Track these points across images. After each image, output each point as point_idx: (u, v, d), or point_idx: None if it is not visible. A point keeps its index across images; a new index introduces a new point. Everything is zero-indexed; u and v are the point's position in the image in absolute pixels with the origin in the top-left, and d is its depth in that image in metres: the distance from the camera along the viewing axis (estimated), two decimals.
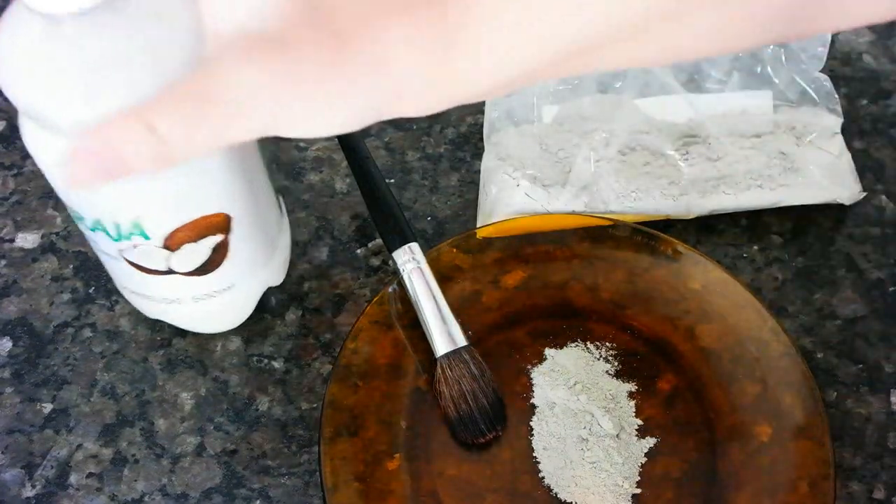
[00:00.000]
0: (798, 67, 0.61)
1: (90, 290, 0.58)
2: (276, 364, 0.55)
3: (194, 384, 0.54)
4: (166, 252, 0.46)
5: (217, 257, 0.48)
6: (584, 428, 0.50)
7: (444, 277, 0.54)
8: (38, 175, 0.62)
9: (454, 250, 0.55)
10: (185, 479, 0.51)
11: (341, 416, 0.50)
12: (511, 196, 0.57)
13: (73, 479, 0.51)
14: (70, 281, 0.58)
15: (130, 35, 0.37)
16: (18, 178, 0.62)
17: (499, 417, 0.50)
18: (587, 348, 0.53)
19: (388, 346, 0.52)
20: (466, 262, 0.55)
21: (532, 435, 0.51)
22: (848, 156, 0.59)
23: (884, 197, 0.60)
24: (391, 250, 0.53)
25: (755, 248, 0.59)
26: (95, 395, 0.54)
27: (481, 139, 0.61)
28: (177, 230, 0.45)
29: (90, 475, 0.51)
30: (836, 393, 0.53)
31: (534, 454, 0.50)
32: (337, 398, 0.50)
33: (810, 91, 0.60)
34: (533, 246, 0.56)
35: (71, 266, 0.58)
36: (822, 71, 0.61)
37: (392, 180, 0.61)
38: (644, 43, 0.31)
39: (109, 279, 0.58)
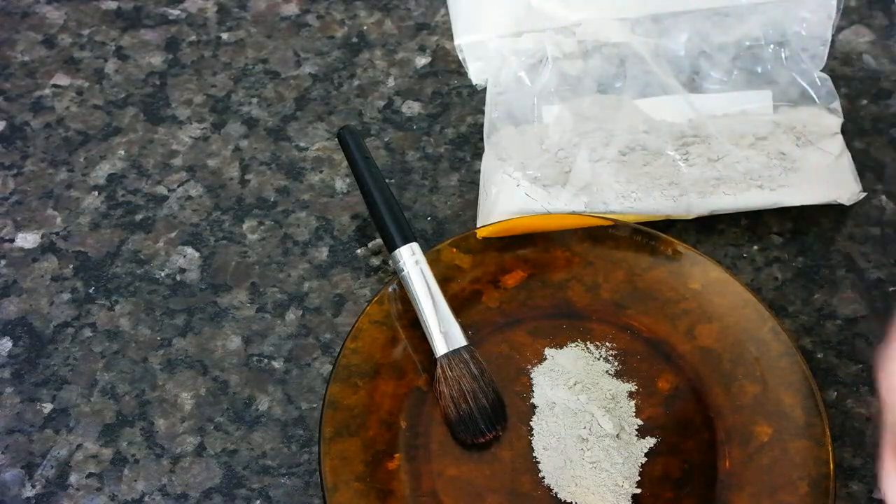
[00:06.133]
0: (798, 67, 0.61)
1: (90, 290, 0.58)
2: (276, 364, 0.55)
3: (194, 384, 0.54)
4: None
5: None
6: (584, 428, 0.50)
7: (444, 277, 0.54)
8: (38, 175, 0.62)
9: (454, 250, 0.55)
10: (185, 479, 0.51)
11: (341, 416, 0.50)
12: (511, 196, 0.57)
13: (73, 479, 0.51)
14: (70, 281, 0.58)
15: None
16: (18, 178, 0.62)
17: (499, 417, 0.50)
18: (587, 348, 0.53)
19: (388, 346, 0.52)
20: (466, 262, 0.55)
21: (532, 435, 0.51)
22: (848, 156, 0.59)
23: (884, 197, 0.60)
24: (391, 250, 0.53)
25: (755, 248, 0.59)
26: (95, 395, 0.54)
27: (481, 139, 0.61)
28: None
29: (90, 475, 0.51)
30: (836, 393, 0.53)
31: (534, 454, 0.50)
32: (337, 398, 0.50)
33: (810, 91, 0.60)
34: (533, 246, 0.56)
35: (71, 266, 0.58)
36: (822, 71, 0.61)
37: (392, 180, 0.61)
38: None
39: (109, 279, 0.58)
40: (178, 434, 0.53)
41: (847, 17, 0.68)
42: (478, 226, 0.57)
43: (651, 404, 0.52)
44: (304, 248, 0.59)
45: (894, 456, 0.29)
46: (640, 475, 0.49)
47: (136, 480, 0.51)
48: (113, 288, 0.58)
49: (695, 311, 0.54)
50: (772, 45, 0.61)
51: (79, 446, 0.52)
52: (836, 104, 0.60)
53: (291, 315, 0.57)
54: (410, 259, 0.53)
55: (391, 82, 0.66)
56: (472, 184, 0.61)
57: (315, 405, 0.53)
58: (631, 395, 0.52)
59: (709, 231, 0.59)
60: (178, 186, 0.62)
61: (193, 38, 0.69)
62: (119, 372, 0.55)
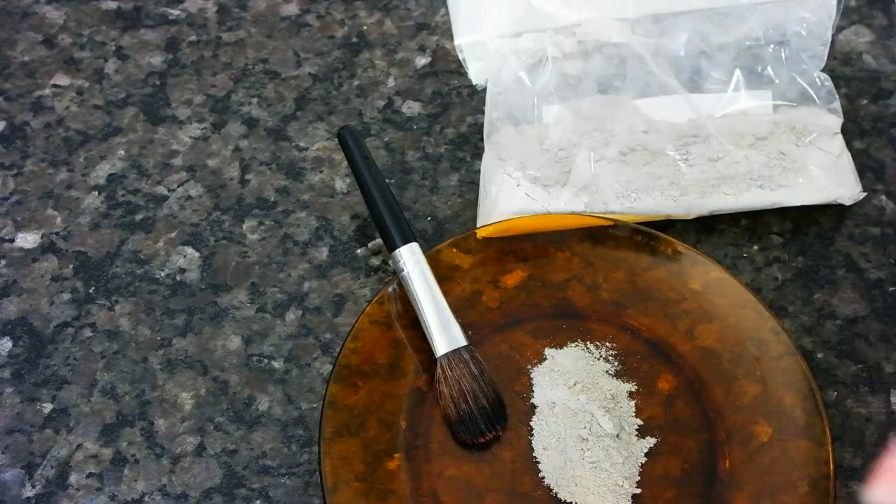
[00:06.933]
0: (798, 67, 0.61)
1: (90, 290, 0.58)
2: (276, 364, 0.55)
3: (194, 384, 0.54)
4: None
5: None
6: (584, 428, 0.50)
7: (444, 277, 0.54)
8: (37, 175, 0.62)
9: (454, 250, 0.55)
10: (185, 479, 0.51)
11: (341, 416, 0.50)
12: (511, 196, 0.57)
13: (73, 479, 0.51)
14: (70, 281, 0.58)
15: None
16: (18, 178, 0.62)
17: (499, 417, 0.50)
18: (587, 348, 0.53)
19: (388, 346, 0.52)
20: (466, 262, 0.55)
21: (532, 435, 0.51)
22: (848, 156, 0.59)
23: (884, 197, 0.60)
24: (391, 250, 0.53)
25: (755, 248, 0.59)
26: (95, 395, 0.54)
27: (481, 139, 0.61)
28: None
29: (90, 475, 0.51)
30: (836, 393, 0.53)
31: (534, 454, 0.50)
32: (337, 398, 0.50)
33: (810, 91, 0.60)
34: (533, 246, 0.56)
35: (71, 266, 0.58)
36: (822, 71, 0.61)
37: (392, 180, 0.61)
38: None
39: (109, 279, 0.58)
40: (178, 434, 0.53)
41: (847, 17, 0.68)
42: (478, 226, 0.57)
43: (651, 404, 0.52)
44: (304, 248, 0.59)
45: None
46: (640, 475, 0.49)
47: (136, 480, 0.51)
48: (113, 288, 0.58)
49: (695, 311, 0.54)
50: (772, 45, 0.61)
51: (79, 446, 0.52)
52: (836, 104, 0.60)
53: (291, 315, 0.57)
54: (410, 259, 0.53)
55: (391, 82, 0.66)
56: (472, 184, 0.61)
57: (315, 405, 0.53)
58: (631, 395, 0.52)
59: (709, 231, 0.59)
60: (178, 186, 0.62)
61: (193, 38, 0.69)
62: (119, 372, 0.55)
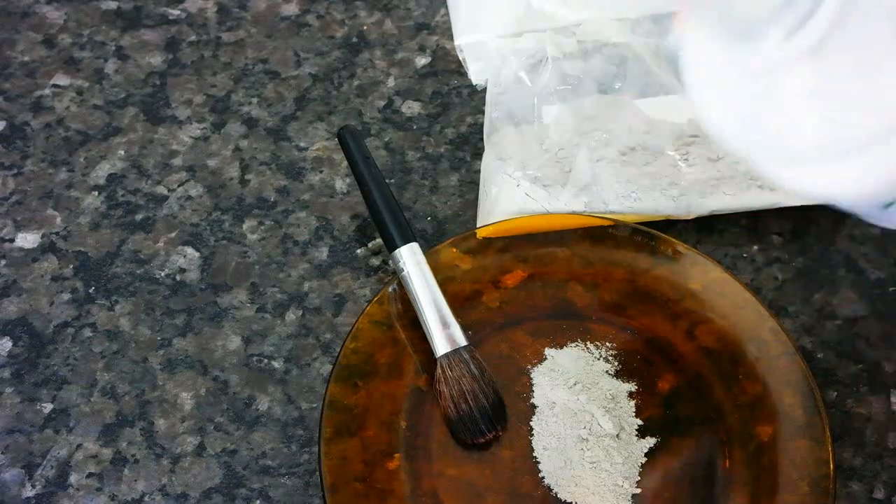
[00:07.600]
0: None
1: (90, 290, 0.58)
2: (276, 364, 0.55)
3: (194, 384, 0.54)
4: None
5: None
6: (584, 428, 0.50)
7: (444, 277, 0.54)
8: (37, 175, 0.62)
9: (454, 250, 0.55)
10: (185, 479, 0.51)
11: (341, 416, 0.50)
12: (511, 196, 0.57)
13: (73, 479, 0.51)
14: (70, 281, 0.58)
15: None
16: (18, 178, 0.62)
17: (499, 417, 0.50)
18: (587, 348, 0.53)
19: (388, 346, 0.52)
20: (466, 262, 0.55)
21: (532, 435, 0.51)
22: None
23: None
24: (391, 250, 0.53)
25: (755, 248, 0.59)
26: (95, 395, 0.54)
27: (481, 139, 0.61)
28: None
29: (90, 475, 0.51)
30: (836, 393, 0.53)
31: (534, 454, 0.50)
32: (337, 398, 0.50)
33: None
34: (533, 246, 0.56)
35: (71, 266, 0.58)
36: None
37: (392, 180, 0.61)
38: None
39: (109, 279, 0.58)
40: (178, 434, 0.53)
41: None
42: (478, 226, 0.57)
43: (651, 404, 0.52)
44: (304, 248, 0.59)
45: None
46: (640, 475, 0.49)
47: (136, 480, 0.51)
48: (113, 288, 0.58)
49: (695, 311, 0.54)
50: None
51: (79, 446, 0.52)
52: None
53: (291, 315, 0.57)
54: (411, 259, 0.53)
55: (391, 82, 0.66)
56: (472, 184, 0.61)
57: (315, 405, 0.53)
58: (631, 395, 0.52)
59: (709, 231, 0.59)
60: (178, 186, 0.62)
61: (193, 38, 0.69)
62: (119, 372, 0.55)
